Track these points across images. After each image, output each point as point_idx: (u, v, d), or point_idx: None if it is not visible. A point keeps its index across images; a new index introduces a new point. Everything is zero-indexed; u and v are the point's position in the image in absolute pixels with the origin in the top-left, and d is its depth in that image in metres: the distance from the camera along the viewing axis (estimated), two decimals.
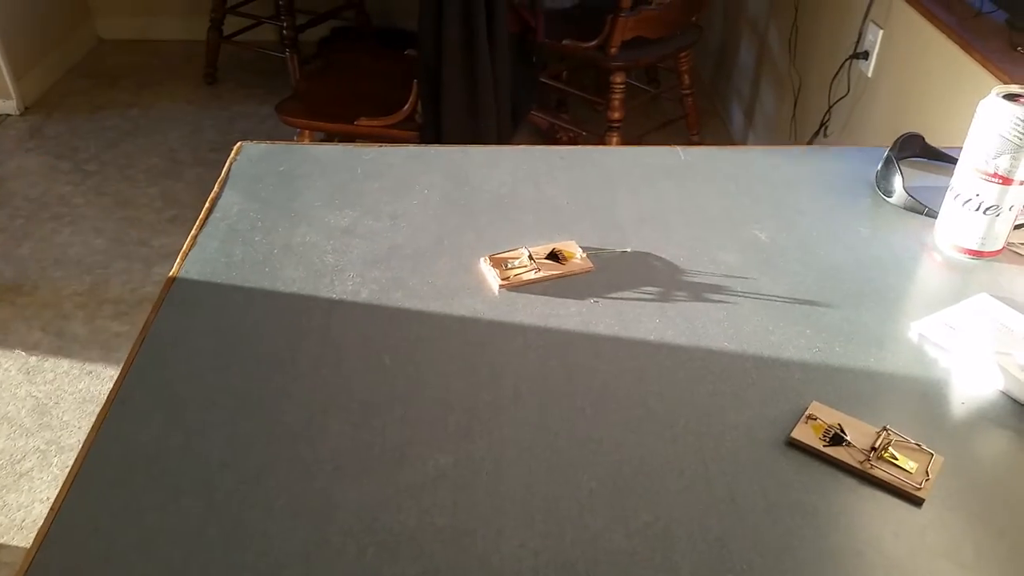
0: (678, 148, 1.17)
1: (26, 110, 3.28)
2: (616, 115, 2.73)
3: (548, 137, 3.08)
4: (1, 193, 2.77)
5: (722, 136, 3.30)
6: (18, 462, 1.77)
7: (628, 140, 2.90)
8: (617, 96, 2.72)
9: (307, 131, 2.41)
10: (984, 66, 1.67)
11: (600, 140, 2.80)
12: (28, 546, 1.59)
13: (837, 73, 2.42)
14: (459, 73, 2.14)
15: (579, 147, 1.18)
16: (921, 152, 1.20)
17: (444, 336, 0.84)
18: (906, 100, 2.08)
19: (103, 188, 2.82)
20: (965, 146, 0.97)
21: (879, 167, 1.13)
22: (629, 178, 1.10)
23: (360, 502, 0.67)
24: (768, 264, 0.95)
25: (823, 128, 2.56)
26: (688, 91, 2.99)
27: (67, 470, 1.77)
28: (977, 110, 0.95)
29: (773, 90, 2.96)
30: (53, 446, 1.82)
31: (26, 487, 1.72)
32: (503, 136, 2.30)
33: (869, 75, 2.26)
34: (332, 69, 2.71)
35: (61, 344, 2.12)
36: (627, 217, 1.02)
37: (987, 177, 0.94)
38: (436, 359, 0.81)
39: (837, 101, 2.46)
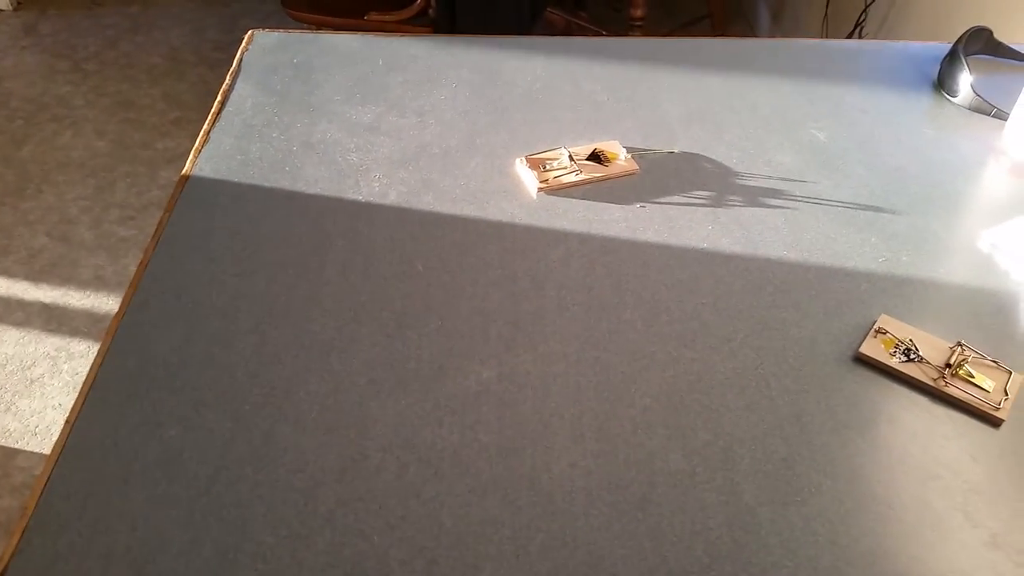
0: (726, 39, 1.08)
1: (19, 5, 3.13)
2: (639, 12, 2.59)
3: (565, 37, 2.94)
4: None
5: (748, 36, 3.15)
6: (28, 368, 1.75)
7: None
8: None
9: (315, 27, 2.29)
10: None
11: None
12: (42, 451, 1.57)
13: None
14: None
15: (618, 38, 1.09)
16: (986, 48, 1.11)
17: (480, 242, 0.78)
18: None
19: (104, 89, 2.71)
20: None
21: (942, 64, 1.04)
22: (674, 73, 1.02)
23: (399, 417, 0.63)
24: (828, 166, 0.88)
25: (858, 29, 2.43)
26: None
27: (77, 376, 1.74)
28: None
29: None
30: (63, 352, 1.79)
31: (38, 393, 1.69)
32: (520, 34, 2.18)
33: None
34: None
35: (67, 249, 2.07)
36: (673, 115, 0.95)
37: None
38: (472, 266, 0.75)
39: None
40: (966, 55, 1.05)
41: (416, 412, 0.63)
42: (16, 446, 1.59)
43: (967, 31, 1.07)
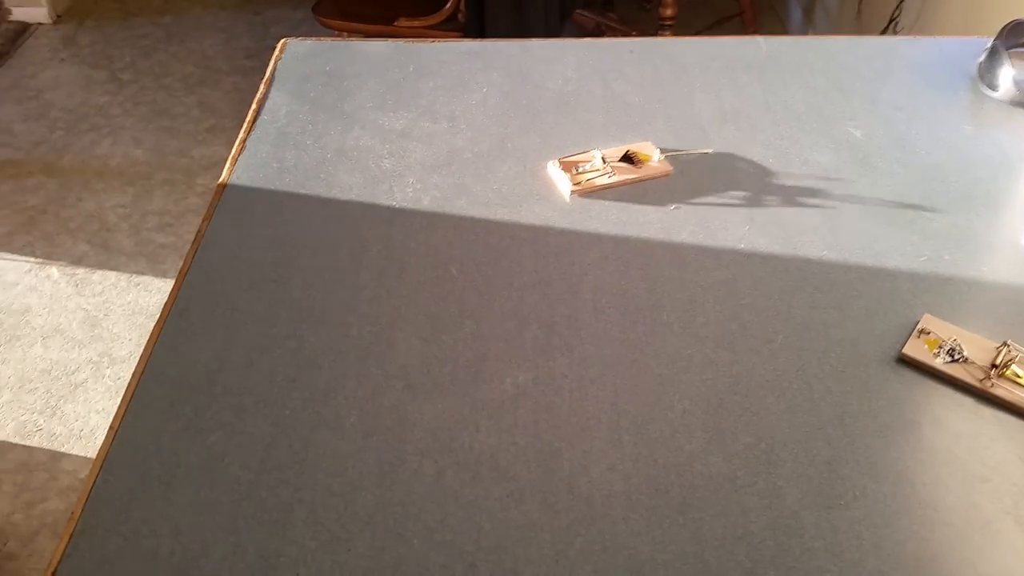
0: (758, 38, 1.07)
1: (58, 18, 3.20)
2: (669, 12, 2.58)
3: (594, 38, 2.93)
4: (38, 104, 2.73)
5: (779, 34, 3.12)
6: (72, 373, 1.78)
7: None
8: None
9: (345, 34, 2.31)
10: None
11: None
12: (87, 454, 1.60)
13: None
14: None
15: (649, 39, 1.09)
16: None
17: (514, 246, 0.78)
18: None
19: (140, 98, 2.75)
20: None
21: (982, 58, 1.02)
22: (706, 72, 1.01)
23: (436, 420, 0.63)
24: (866, 164, 0.87)
25: (893, 24, 2.39)
26: None
27: (120, 381, 1.77)
28: None
29: None
30: (105, 358, 1.82)
31: (82, 398, 1.73)
32: (550, 36, 2.18)
33: None
34: None
35: (107, 256, 2.10)
36: (706, 115, 0.94)
37: None
38: (507, 270, 0.75)
39: None
40: (1007, 48, 1.03)
41: (453, 416, 0.63)
42: (62, 449, 1.62)
43: (1008, 24, 1.05)
